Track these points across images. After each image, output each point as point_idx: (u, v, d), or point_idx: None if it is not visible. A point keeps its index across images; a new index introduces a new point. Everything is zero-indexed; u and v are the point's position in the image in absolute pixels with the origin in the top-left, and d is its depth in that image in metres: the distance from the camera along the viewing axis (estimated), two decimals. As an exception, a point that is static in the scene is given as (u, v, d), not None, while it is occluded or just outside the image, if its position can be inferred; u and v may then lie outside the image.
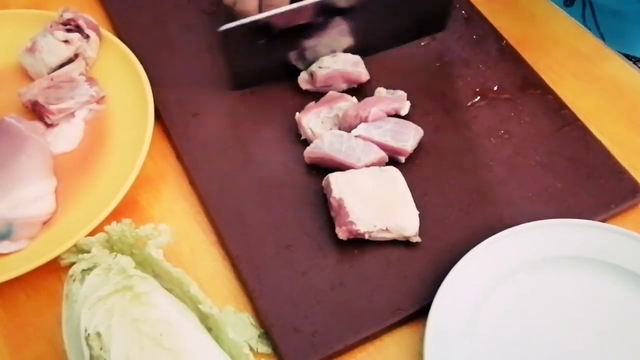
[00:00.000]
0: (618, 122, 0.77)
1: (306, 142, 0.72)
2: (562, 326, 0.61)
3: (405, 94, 0.75)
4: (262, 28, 0.73)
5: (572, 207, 0.68)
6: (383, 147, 0.71)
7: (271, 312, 0.62)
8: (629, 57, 0.95)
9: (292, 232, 0.67)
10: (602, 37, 0.98)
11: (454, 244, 0.65)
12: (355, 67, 0.77)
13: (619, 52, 0.87)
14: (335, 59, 0.77)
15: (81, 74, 0.77)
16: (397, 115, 0.74)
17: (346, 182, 0.67)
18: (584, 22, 0.99)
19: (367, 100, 0.74)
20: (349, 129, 0.72)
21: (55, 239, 0.65)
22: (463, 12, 0.86)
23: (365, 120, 0.72)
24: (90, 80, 0.77)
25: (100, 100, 0.77)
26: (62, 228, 0.67)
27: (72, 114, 0.75)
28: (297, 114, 0.74)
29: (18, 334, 0.63)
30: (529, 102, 0.77)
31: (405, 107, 0.74)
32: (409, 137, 0.71)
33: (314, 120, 0.73)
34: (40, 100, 0.74)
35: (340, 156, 0.69)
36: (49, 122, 0.74)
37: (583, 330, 0.61)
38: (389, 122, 0.72)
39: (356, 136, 0.71)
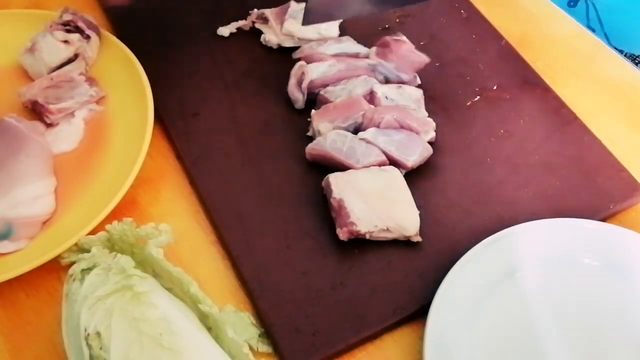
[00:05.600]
0: (618, 122, 0.77)
1: (310, 140, 0.72)
2: (562, 326, 0.61)
3: (434, 123, 0.72)
4: None
5: (572, 206, 0.68)
6: (385, 155, 0.70)
7: (271, 311, 0.62)
8: (633, 57, 0.96)
9: (293, 232, 0.67)
10: (606, 37, 0.98)
11: (454, 244, 0.65)
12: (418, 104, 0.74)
13: (623, 51, 0.86)
14: (401, 91, 0.74)
15: (81, 73, 0.77)
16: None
17: (346, 182, 0.67)
18: (587, 22, 0.99)
19: (388, 107, 0.72)
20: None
21: (54, 238, 0.65)
22: (463, 12, 0.86)
23: (377, 125, 0.71)
24: (90, 80, 0.77)
25: (100, 100, 0.77)
26: (62, 228, 0.67)
27: (72, 114, 0.75)
28: (313, 110, 0.73)
29: (18, 334, 0.63)
30: (529, 101, 0.77)
31: (429, 134, 0.72)
32: (414, 152, 0.70)
33: (325, 124, 0.72)
34: (40, 100, 0.74)
35: (340, 156, 0.69)
36: (48, 121, 0.74)
37: (583, 330, 0.61)
38: (400, 133, 0.71)
39: (361, 139, 0.70)
